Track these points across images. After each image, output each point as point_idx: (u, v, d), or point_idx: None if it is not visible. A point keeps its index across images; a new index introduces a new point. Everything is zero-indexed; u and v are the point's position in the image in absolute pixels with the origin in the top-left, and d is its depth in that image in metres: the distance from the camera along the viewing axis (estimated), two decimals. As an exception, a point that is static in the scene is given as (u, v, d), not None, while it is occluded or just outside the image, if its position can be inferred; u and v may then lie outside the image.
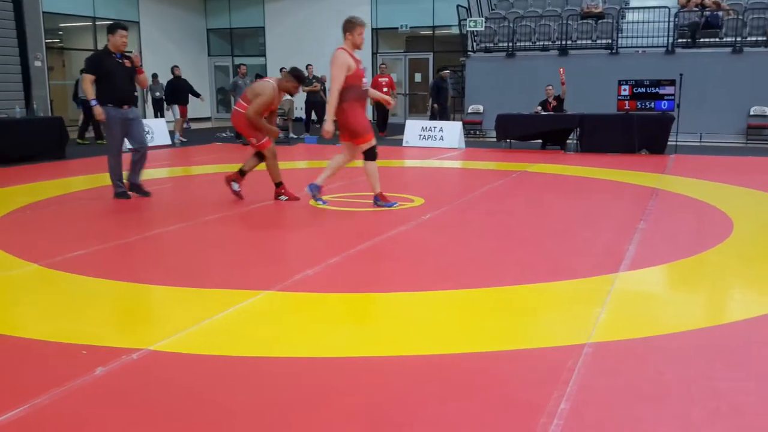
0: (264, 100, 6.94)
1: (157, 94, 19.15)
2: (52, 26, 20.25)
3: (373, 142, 6.76)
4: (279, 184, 7.38)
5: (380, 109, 17.00)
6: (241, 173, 7.39)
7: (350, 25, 6.56)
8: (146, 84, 8.00)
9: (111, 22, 7.58)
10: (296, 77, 6.95)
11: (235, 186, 7.38)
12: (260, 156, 7.31)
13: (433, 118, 15.82)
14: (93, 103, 7.18)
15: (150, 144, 13.77)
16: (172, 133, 14.74)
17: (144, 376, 3.01)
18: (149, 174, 9.95)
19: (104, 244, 5.45)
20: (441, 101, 16.05)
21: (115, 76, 7.25)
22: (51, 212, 6.93)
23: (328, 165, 7.06)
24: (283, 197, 7.36)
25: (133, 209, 7.15)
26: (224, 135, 16.27)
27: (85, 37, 21.03)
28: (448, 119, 15.73)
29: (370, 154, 6.76)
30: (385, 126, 17.19)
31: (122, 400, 2.78)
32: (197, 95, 15.48)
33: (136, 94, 7.64)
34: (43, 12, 18.41)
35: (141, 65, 7.66)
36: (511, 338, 3.51)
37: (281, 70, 16.96)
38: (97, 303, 4.08)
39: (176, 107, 15.13)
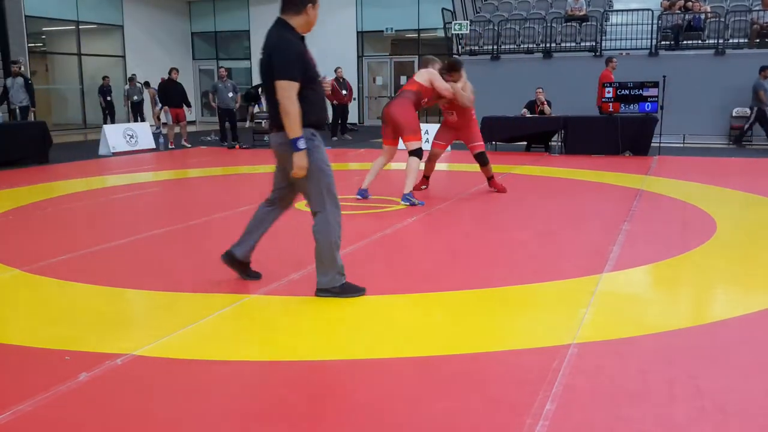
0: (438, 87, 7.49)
1: (135, 97, 18.98)
2: (35, 30, 20.10)
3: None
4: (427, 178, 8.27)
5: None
6: (425, 177, 8.20)
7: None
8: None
9: None
10: (449, 68, 7.63)
11: (422, 187, 8.11)
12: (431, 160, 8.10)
13: None
14: (302, 144, 3.80)
15: (135, 148, 13.87)
16: (156, 136, 14.63)
17: (128, 381, 2.99)
18: (134, 178, 9.89)
19: (87, 248, 5.41)
20: None
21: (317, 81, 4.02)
22: (34, 217, 6.87)
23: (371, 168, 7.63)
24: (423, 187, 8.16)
25: (116, 214, 7.11)
26: (209, 138, 16.20)
27: (69, 42, 20.90)
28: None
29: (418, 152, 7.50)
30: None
31: (107, 405, 2.76)
32: (188, 105, 15.31)
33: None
34: (26, 16, 18.29)
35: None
36: (496, 339, 3.52)
37: (336, 70, 16.68)
38: (80, 308, 4.04)
39: (168, 111, 14.84)
